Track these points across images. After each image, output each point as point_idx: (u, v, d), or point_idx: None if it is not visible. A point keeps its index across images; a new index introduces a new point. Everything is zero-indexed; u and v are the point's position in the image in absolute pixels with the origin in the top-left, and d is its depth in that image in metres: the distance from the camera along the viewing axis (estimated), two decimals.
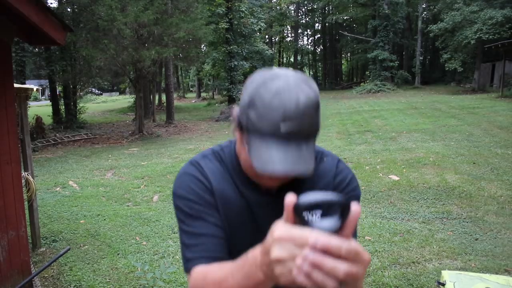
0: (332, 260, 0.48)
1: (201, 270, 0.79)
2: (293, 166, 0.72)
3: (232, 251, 0.84)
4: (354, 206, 0.53)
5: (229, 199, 0.88)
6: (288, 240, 0.51)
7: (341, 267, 0.48)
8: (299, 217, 0.53)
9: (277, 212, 0.72)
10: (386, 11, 26.89)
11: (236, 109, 0.83)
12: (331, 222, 0.51)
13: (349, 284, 0.51)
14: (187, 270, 0.82)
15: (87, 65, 14.87)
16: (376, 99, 20.20)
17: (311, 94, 0.76)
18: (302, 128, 0.74)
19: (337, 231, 0.51)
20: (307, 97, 0.75)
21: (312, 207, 0.52)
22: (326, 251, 0.49)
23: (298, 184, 0.88)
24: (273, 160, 0.73)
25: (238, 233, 0.88)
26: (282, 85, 0.75)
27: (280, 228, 0.53)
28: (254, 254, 0.61)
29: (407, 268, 3.29)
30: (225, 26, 21.02)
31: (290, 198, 0.54)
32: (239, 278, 0.66)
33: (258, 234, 0.80)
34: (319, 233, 0.50)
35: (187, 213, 0.86)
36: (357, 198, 0.94)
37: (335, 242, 0.49)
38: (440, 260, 3.39)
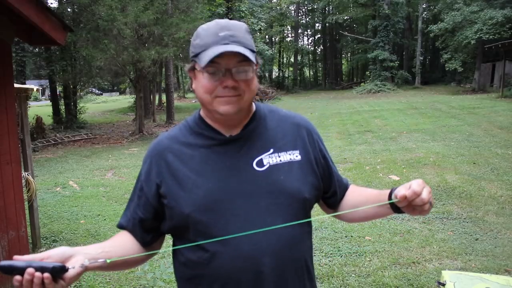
0: None
1: (120, 234, 1.04)
2: (232, 49, 0.87)
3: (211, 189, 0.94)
4: None
5: (189, 155, 0.98)
6: None
7: None
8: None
9: (243, 152, 0.96)
10: (386, 11, 26.90)
11: (187, 66, 1.00)
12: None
13: None
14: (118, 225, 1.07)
15: (87, 65, 14.88)
16: (376, 99, 20.22)
17: (240, 22, 0.97)
18: (237, 35, 0.90)
19: None
20: (235, 21, 0.96)
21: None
22: None
23: (256, 133, 0.99)
24: (217, 49, 0.87)
25: (211, 176, 0.96)
26: (215, 21, 0.95)
27: None
28: None
29: (407, 268, 3.29)
30: None
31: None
32: None
33: (228, 172, 0.95)
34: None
35: (134, 188, 1.06)
36: (322, 143, 1.09)
37: None
38: (440, 260, 3.39)
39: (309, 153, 1.02)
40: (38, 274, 0.75)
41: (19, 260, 0.76)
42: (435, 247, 3.66)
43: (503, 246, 3.60)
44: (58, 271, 0.77)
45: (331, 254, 3.61)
